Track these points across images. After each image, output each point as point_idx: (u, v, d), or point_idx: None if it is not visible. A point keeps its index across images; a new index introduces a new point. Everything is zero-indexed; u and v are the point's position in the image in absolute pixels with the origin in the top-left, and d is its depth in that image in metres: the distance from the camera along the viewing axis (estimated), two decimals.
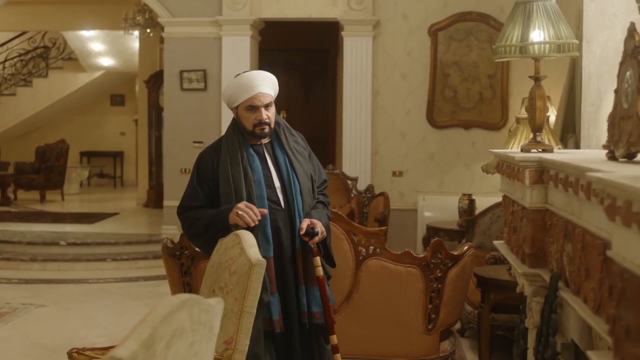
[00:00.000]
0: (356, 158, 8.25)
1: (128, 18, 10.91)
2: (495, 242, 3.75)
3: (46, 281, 7.78)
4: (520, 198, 3.12)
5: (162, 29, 8.99)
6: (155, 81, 11.74)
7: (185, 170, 8.44)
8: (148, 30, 11.02)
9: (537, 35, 3.18)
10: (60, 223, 10.45)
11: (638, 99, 2.20)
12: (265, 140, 3.61)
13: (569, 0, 5.65)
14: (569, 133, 5.69)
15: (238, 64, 8.16)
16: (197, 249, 4.05)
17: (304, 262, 3.51)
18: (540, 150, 3.18)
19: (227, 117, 8.15)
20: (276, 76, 3.64)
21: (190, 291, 4.12)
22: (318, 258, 3.49)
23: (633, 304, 1.59)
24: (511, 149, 5.28)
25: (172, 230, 8.31)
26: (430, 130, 8.26)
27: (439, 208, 7.86)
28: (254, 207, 3.40)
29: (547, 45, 3.17)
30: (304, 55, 11.65)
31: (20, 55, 15.52)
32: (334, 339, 3.51)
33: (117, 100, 17.25)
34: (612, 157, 2.45)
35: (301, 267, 3.50)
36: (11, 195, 13.16)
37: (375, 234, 4.26)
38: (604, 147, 2.53)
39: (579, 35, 4.43)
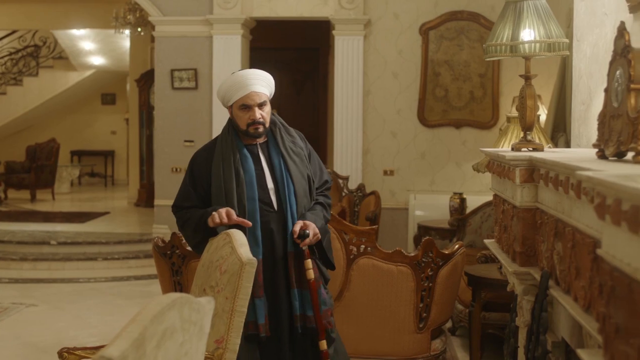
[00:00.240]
0: (347, 157, 8.25)
1: (119, 17, 10.89)
2: (486, 241, 3.75)
3: (37, 280, 7.76)
4: (510, 197, 3.12)
5: (153, 27, 8.97)
6: (146, 80, 11.73)
7: (176, 169, 8.44)
8: (139, 29, 11.01)
9: (528, 34, 3.19)
10: (51, 222, 10.42)
11: (628, 97, 2.20)
12: (261, 140, 3.54)
13: None
14: (560, 132, 5.71)
15: (229, 63, 8.16)
16: (188, 248, 4.05)
17: (296, 265, 3.42)
18: (531, 149, 3.18)
19: (218, 116, 8.14)
20: None
21: (181, 290, 4.11)
22: (309, 261, 3.40)
23: (623, 302, 1.60)
24: (502, 147, 5.30)
25: (163, 230, 8.30)
26: (421, 129, 8.26)
27: (430, 207, 7.87)
28: (232, 213, 3.34)
29: (538, 44, 3.17)
30: (294, 54, 11.63)
31: (10, 54, 15.44)
32: (324, 344, 3.42)
33: (108, 99, 17.22)
34: (602, 155, 2.45)
35: (293, 270, 3.42)
36: (1, 195, 13.12)
37: (366, 233, 4.26)
38: (594, 145, 2.53)
39: (569, 34, 4.44)
